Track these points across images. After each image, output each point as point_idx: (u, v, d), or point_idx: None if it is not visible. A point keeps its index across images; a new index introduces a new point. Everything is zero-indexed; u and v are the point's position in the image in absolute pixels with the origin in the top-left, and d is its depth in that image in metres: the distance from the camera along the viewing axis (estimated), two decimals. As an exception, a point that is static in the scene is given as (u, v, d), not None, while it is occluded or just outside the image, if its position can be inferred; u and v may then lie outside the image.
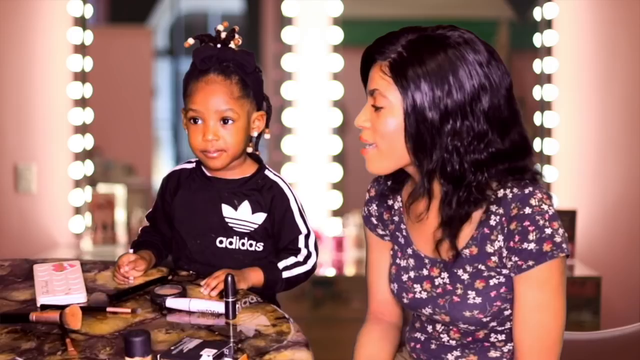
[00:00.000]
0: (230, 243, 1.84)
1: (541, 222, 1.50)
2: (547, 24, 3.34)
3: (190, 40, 1.84)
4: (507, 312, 1.57)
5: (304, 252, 1.85)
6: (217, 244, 1.84)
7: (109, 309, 1.58)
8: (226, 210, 1.84)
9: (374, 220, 1.77)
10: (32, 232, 3.40)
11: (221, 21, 1.85)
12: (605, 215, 3.25)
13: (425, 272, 1.64)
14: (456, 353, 1.64)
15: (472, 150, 1.52)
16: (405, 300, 1.68)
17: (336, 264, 3.33)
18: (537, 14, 3.38)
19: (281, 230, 1.85)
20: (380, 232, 1.76)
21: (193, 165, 1.91)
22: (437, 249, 1.59)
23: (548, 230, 1.50)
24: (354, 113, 1.59)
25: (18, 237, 3.38)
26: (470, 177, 1.53)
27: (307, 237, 1.86)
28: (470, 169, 1.52)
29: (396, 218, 1.72)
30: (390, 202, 1.73)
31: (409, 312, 1.79)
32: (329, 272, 3.27)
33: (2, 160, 3.36)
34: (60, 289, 1.66)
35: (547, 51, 3.35)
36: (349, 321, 3.16)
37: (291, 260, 1.83)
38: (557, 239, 1.50)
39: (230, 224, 1.84)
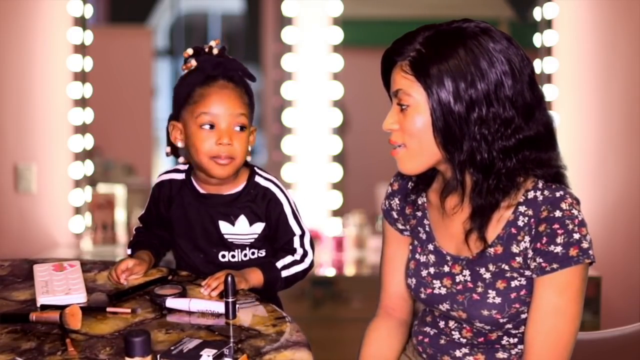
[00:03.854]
0: (233, 256, 1.85)
1: (570, 226, 1.50)
2: (547, 24, 3.34)
3: (189, 50, 1.83)
4: (523, 316, 1.58)
5: (299, 251, 1.86)
6: (220, 258, 1.85)
7: (109, 309, 1.58)
8: (224, 226, 1.83)
9: (394, 214, 1.77)
10: (32, 232, 3.40)
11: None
12: (605, 215, 3.25)
13: (446, 268, 1.65)
14: (464, 350, 1.64)
15: (499, 137, 1.52)
16: (422, 296, 1.68)
17: (336, 264, 3.33)
18: (537, 14, 3.38)
19: (277, 232, 1.85)
20: (400, 226, 1.77)
21: (183, 176, 1.88)
22: (467, 240, 1.59)
23: (576, 236, 1.50)
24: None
25: (18, 237, 3.37)
26: (500, 165, 1.53)
27: (301, 237, 1.87)
28: (499, 156, 1.53)
29: (419, 213, 1.72)
30: (413, 196, 1.73)
31: (418, 307, 1.79)
32: (329, 272, 3.27)
33: (2, 160, 3.36)
34: (60, 289, 1.66)
35: (547, 51, 3.35)
36: (349, 321, 3.17)
37: (288, 259, 1.84)
38: (585, 245, 1.51)
39: (230, 240, 1.84)
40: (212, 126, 1.76)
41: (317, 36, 3.47)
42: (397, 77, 1.57)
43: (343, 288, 3.19)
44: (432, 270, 1.67)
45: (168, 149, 1.90)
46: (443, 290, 1.64)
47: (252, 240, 1.84)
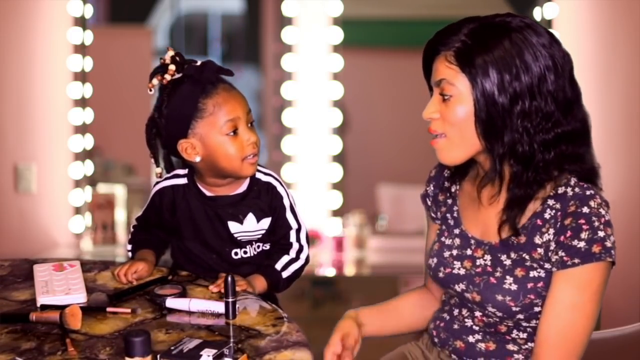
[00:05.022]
0: (245, 252, 1.86)
1: (596, 223, 1.52)
2: (547, 24, 3.34)
3: (154, 81, 1.85)
4: (537, 309, 1.58)
5: (295, 246, 1.87)
6: (233, 255, 1.85)
7: (109, 309, 1.59)
8: (233, 226, 1.83)
9: (428, 200, 1.82)
10: (32, 232, 3.40)
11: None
12: (605, 215, 3.24)
13: (468, 252, 1.67)
14: (477, 336, 1.66)
15: (540, 130, 1.54)
16: (440, 274, 1.70)
17: (336, 264, 3.33)
18: (537, 14, 3.38)
19: (275, 225, 1.86)
20: (432, 214, 1.81)
21: (185, 180, 1.87)
22: (499, 231, 1.61)
23: (601, 234, 1.51)
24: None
25: (18, 237, 3.37)
26: (539, 157, 1.55)
27: (298, 231, 1.88)
28: (539, 148, 1.55)
29: (450, 201, 1.75)
30: (447, 184, 1.76)
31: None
32: (329, 272, 3.27)
33: (2, 160, 3.36)
34: (60, 289, 1.66)
35: (547, 51, 3.34)
36: (349, 321, 3.16)
37: (285, 259, 1.85)
38: (608, 244, 1.52)
39: (239, 238, 1.84)
40: (235, 130, 1.77)
41: (317, 36, 3.47)
42: (440, 67, 1.58)
43: (343, 288, 3.19)
44: (454, 252, 1.69)
45: (159, 170, 1.88)
46: (462, 271, 1.66)
47: (260, 235, 1.85)
